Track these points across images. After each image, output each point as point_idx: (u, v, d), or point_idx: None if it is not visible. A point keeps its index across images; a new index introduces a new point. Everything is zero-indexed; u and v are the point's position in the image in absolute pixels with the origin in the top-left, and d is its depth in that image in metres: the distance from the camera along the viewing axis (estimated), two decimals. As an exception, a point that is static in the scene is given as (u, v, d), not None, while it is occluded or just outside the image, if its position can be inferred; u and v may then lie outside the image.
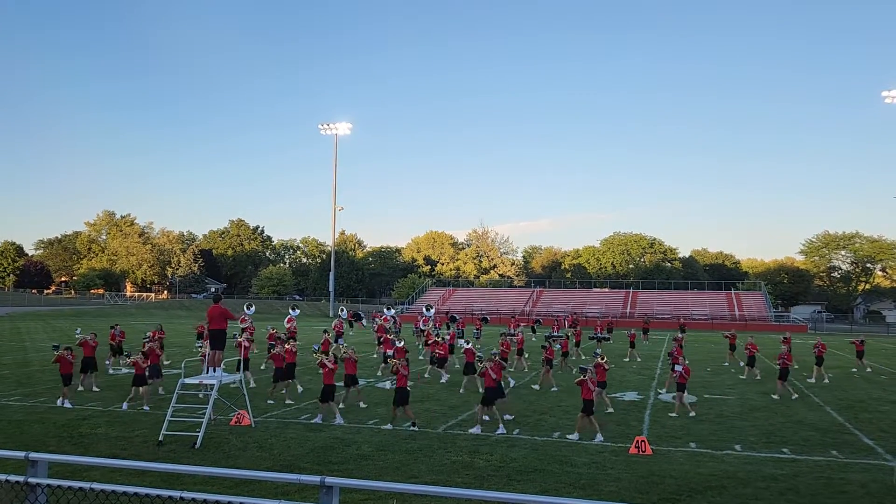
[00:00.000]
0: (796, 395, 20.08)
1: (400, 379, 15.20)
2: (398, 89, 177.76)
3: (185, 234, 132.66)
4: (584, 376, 14.17)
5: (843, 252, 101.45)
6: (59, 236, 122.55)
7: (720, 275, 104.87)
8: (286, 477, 4.27)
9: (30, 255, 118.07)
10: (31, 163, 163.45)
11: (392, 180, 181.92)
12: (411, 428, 14.67)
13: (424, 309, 37.43)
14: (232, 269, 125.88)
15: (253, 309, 34.51)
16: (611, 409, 17.25)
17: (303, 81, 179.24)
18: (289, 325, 32.39)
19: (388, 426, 14.93)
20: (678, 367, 17.36)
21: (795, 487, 10.74)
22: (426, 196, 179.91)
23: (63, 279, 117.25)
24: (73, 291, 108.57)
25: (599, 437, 13.90)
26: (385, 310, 36.52)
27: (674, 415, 16.88)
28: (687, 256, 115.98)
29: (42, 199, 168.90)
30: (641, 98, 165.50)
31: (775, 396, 20.10)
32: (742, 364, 26.51)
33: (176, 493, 3.94)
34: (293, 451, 12.67)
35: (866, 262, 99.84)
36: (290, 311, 35.43)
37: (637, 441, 13.07)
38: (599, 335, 34.40)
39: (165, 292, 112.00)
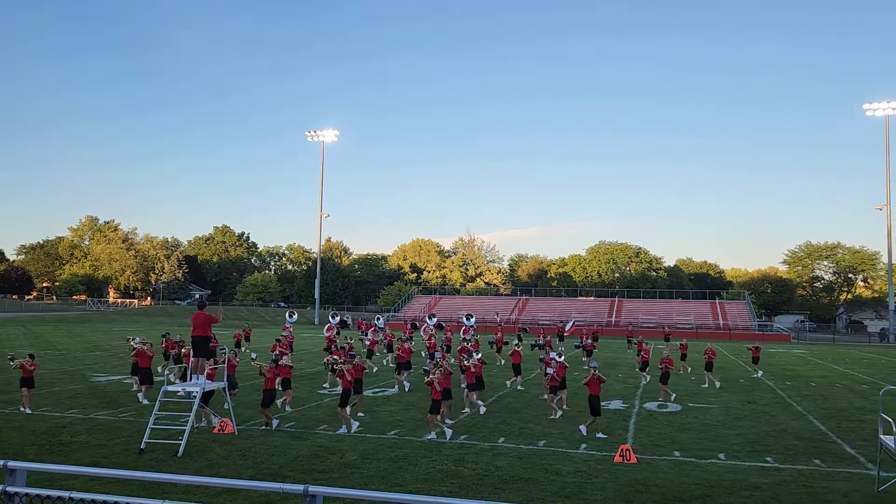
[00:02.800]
0: (675, 395, 21.32)
1: (267, 381, 15.59)
2: (385, 97, 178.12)
3: (169, 240, 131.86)
4: (429, 377, 15.32)
5: (825, 262, 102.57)
6: (41, 241, 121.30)
7: (705, 284, 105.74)
8: (269, 486, 4.22)
9: (11, 260, 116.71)
10: (14, 167, 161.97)
11: (378, 188, 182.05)
12: (263, 427, 15.24)
13: (465, 318, 37.23)
14: (217, 275, 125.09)
15: (295, 317, 34.33)
16: (467, 410, 18.10)
17: (289, 89, 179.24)
18: (328, 335, 31.89)
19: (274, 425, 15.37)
20: (550, 370, 18.01)
21: (779, 496, 10.79)
22: (413, 204, 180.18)
23: (45, 285, 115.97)
24: (54, 297, 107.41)
25: (431, 436, 14.61)
26: (427, 319, 35.83)
27: (553, 417, 17.52)
28: (672, 266, 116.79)
29: (24, 203, 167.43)
30: (628, 108, 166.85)
31: (661, 399, 21.11)
32: (636, 369, 28.23)
33: (158, 502, 3.88)
34: (277, 460, 12.56)
35: (848, 273, 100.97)
36: (331, 318, 34.79)
37: (622, 450, 13.09)
38: (584, 343, 34.47)
39: (149, 298, 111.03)
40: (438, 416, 15.10)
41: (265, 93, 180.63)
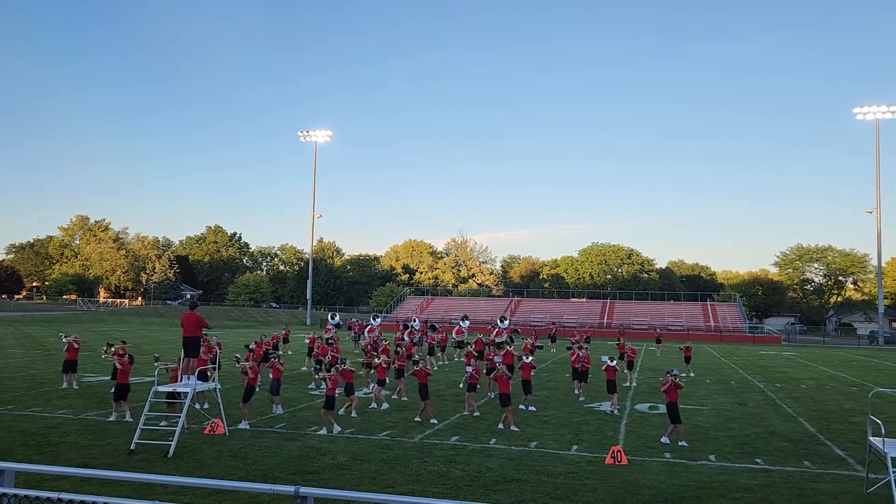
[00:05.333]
0: (583, 398, 21.30)
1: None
2: (379, 98, 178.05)
3: (160, 240, 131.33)
4: (322, 374, 15.91)
5: (816, 265, 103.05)
6: (31, 241, 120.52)
7: (696, 286, 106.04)
8: (260, 487, 4.21)
9: (0, 259, 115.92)
10: (4, 166, 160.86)
11: (371, 189, 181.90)
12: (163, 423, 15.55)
13: (499, 320, 37.24)
14: (208, 275, 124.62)
15: (338, 318, 34.09)
16: (374, 405, 18.68)
17: (282, 89, 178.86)
18: (370, 337, 31.68)
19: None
20: (469, 369, 18.58)
21: (768, 498, 10.83)
22: (405, 205, 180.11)
23: (34, 284, 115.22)
24: (44, 297, 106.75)
25: (337, 429, 15.18)
26: (461, 322, 35.44)
27: (472, 413, 17.89)
28: (664, 267, 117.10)
29: (14, 202, 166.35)
30: (619, 110, 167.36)
31: (581, 397, 21.37)
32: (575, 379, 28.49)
33: (148, 503, 3.86)
34: (268, 461, 12.53)
35: (838, 275, 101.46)
36: (372, 320, 34.58)
37: (613, 451, 13.11)
38: (576, 345, 34.55)
39: (140, 298, 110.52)
40: (332, 412, 15.60)
41: (258, 93, 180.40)
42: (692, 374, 29.53)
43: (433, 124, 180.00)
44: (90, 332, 51.49)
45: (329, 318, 33.23)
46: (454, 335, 33.41)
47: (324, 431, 15.21)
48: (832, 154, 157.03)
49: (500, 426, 16.21)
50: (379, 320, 35.44)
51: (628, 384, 24.88)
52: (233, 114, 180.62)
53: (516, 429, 16.05)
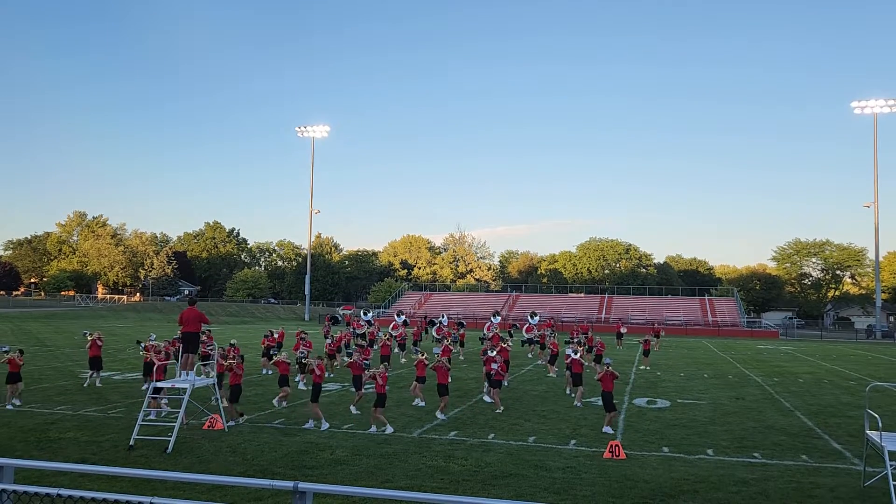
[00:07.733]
0: (571, 394, 21.11)
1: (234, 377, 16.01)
2: (376, 94, 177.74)
3: (158, 235, 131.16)
4: (370, 372, 16.36)
5: (813, 259, 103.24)
6: (29, 237, 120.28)
7: (694, 281, 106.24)
8: (259, 482, 4.23)
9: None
10: (1, 162, 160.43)
11: (369, 184, 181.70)
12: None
13: (529, 316, 37.29)
14: (206, 271, 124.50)
15: (371, 315, 34.23)
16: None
17: (281, 86, 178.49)
18: (397, 334, 31.74)
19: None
20: (494, 365, 18.51)
21: (766, 492, 10.87)
22: (403, 200, 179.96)
23: (33, 280, 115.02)
24: (42, 293, 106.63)
25: (373, 429, 14.87)
26: (492, 318, 35.65)
27: (498, 412, 17.75)
28: (662, 262, 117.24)
29: (11, 198, 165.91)
30: (618, 105, 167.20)
31: (568, 391, 21.16)
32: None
33: (147, 499, 3.87)
34: (267, 456, 12.55)
35: (836, 270, 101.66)
36: (396, 317, 34.79)
37: (611, 446, 13.15)
38: (574, 339, 34.62)
39: (138, 294, 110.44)
40: (382, 410, 15.36)
41: (255, 88, 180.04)
42: (649, 368, 29.61)
43: (431, 120, 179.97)
44: (90, 328, 51.46)
45: (362, 313, 33.35)
46: (485, 331, 33.70)
47: (374, 429, 14.88)
48: (830, 148, 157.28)
49: (439, 414, 16.61)
50: (403, 317, 35.58)
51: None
52: (231, 109, 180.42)
53: (443, 416, 16.50)
